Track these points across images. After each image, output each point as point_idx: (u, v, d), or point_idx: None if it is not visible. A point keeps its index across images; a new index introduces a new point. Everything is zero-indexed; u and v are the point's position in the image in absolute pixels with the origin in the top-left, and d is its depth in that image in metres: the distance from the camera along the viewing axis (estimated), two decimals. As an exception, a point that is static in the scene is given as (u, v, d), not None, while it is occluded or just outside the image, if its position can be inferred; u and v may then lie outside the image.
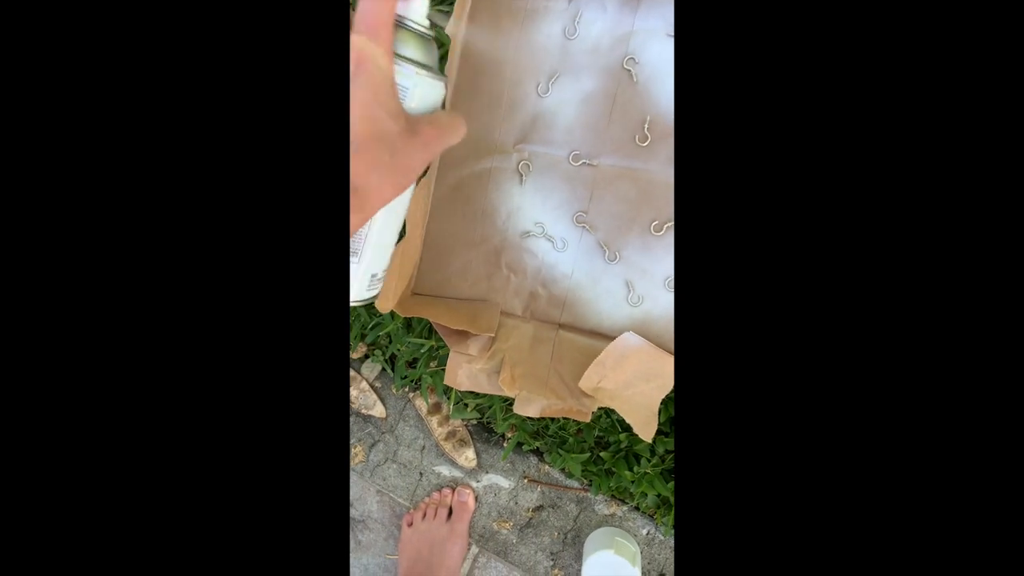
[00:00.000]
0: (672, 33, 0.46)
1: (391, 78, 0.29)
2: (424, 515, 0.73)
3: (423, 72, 0.33)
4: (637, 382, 0.50)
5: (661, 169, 0.49)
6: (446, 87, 0.36)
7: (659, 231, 0.50)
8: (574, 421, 0.63)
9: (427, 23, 0.35)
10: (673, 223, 0.49)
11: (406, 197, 0.40)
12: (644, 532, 0.69)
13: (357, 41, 0.28)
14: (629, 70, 0.48)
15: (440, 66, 0.36)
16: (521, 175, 0.52)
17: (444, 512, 0.73)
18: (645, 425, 0.51)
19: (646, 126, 0.48)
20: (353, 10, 0.29)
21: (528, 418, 0.66)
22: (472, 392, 0.68)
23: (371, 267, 0.39)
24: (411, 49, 0.33)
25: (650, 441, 0.52)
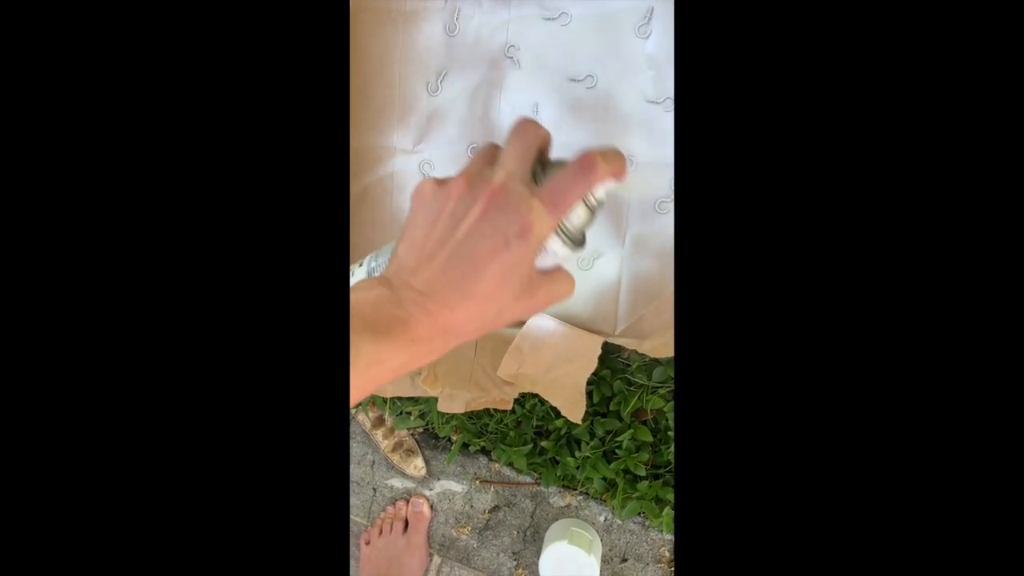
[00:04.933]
0: (549, 17, 0.47)
1: (540, 246, 0.29)
2: (380, 531, 0.72)
3: (569, 242, 0.31)
4: (559, 364, 0.51)
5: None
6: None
7: (563, 213, 0.50)
8: (512, 413, 0.63)
9: (604, 197, 0.33)
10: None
11: None
12: (601, 519, 0.69)
13: (536, 207, 0.28)
14: (511, 57, 0.48)
15: None
16: (424, 175, 0.53)
17: (400, 525, 0.72)
18: (573, 406, 0.51)
19: (535, 111, 0.49)
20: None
21: (470, 418, 0.65)
22: (412, 399, 0.67)
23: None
24: (574, 218, 0.31)
25: (579, 422, 0.52)
